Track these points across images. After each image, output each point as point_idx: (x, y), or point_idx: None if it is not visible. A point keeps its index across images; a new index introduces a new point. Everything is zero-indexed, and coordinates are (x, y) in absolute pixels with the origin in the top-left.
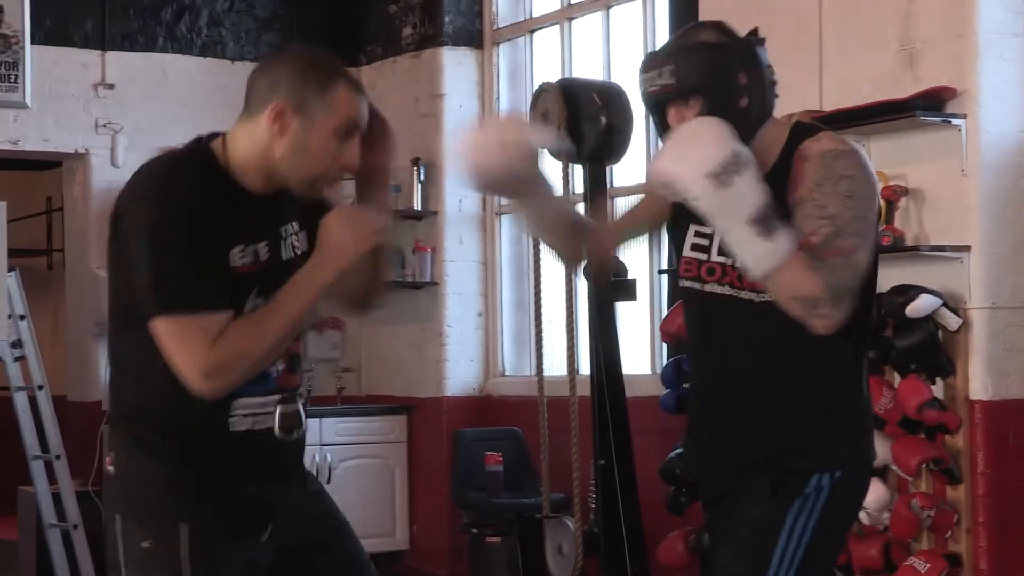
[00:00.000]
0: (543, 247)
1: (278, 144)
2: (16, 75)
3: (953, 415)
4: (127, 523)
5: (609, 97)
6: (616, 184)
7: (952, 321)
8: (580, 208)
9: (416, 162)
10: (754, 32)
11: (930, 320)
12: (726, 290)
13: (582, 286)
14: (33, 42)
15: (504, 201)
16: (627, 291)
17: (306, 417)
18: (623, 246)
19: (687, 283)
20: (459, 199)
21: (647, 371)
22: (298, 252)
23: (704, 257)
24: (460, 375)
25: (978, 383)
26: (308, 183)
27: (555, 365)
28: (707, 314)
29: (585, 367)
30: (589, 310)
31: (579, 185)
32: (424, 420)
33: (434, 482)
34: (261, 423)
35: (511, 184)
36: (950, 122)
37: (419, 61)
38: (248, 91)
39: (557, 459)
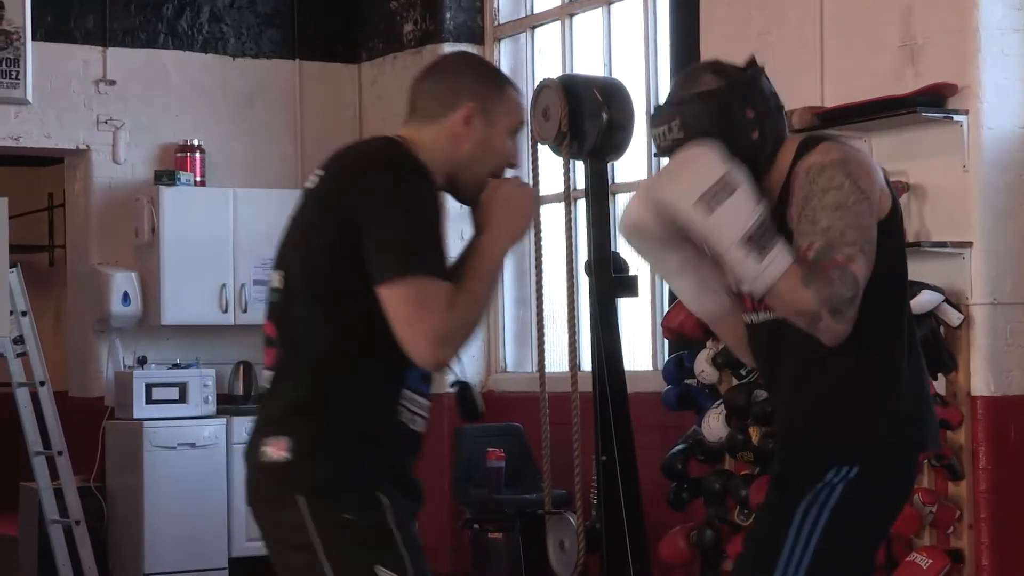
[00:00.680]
0: (541, 243)
1: (465, 145)
2: (17, 71)
3: (955, 411)
4: (316, 501)
5: (610, 93)
6: (617, 180)
7: (954, 317)
8: (581, 204)
9: None
10: (752, 61)
11: (932, 316)
12: (770, 315)
13: (583, 282)
14: (34, 38)
15: None
16: (629, 287)
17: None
18: None
19: (746, 318)
20: None
21: (648, 367)
22: None
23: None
24: (461, 371)
25: (980, 379)
26: (481, 181)
27: (557, 361)
28: (757, 341)
29: (587, 363)
30: (591, 306)
31: (580, 181)
32: (430, 415)
33: (435, 478)
34: (421, 418)
35: (650, 242)
36: (951, 118)
37: (420, 57)
38: (419, 97)
39: (559, 455)
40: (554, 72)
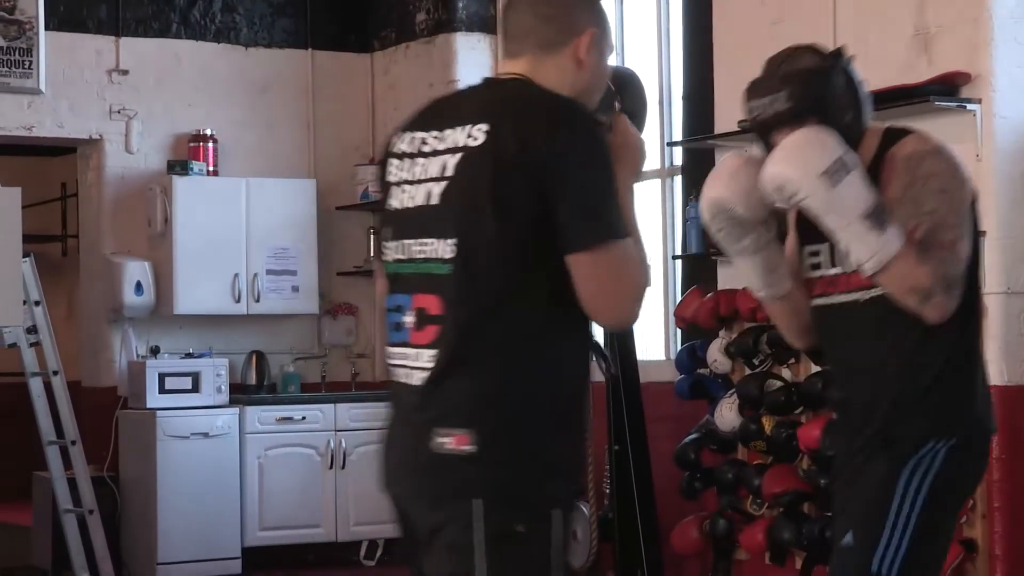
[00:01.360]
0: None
1: (586, 73)
2: (30, 61)
3: None
4: (492, 507)
5: (623, 82)
6: None
7: None
8: None
9: None
10: (841, 51)
11: None
12: (843, 298)
13: None
14: (47, 28)
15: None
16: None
17: None
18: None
19: (818, 301)
20: None
21: (661, 357)
22: None
23: (819, 274)
24: None
25: (994, 368)
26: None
27: None
28: (836, 322)
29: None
30: None
31: None
32: None
33: None
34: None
35: (730, 221)
36: (965, 107)
37: (432, 47)
38: (534, 25)
39: None
40: None
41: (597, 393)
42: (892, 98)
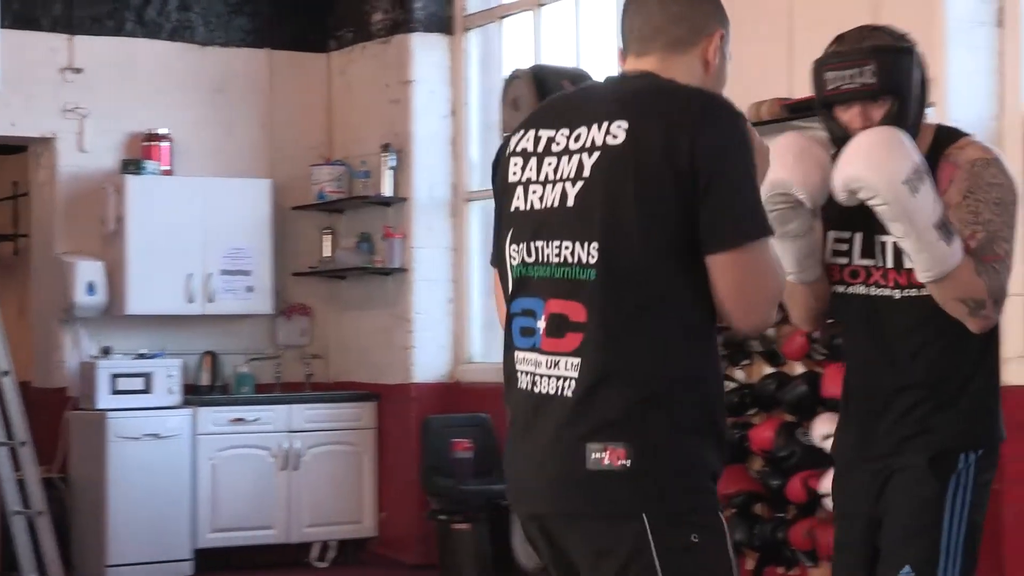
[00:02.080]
0: None
1: (711, 73)
2: None
3: None
4: (661, 521)
5: (580, 83)
6: None
7: None
8: None
9: (386, 148)
10: (908, 36)
11: None
12: (871, 291)
13: None
14: (0, 25)
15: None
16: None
17: None
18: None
19: (839, 288)
20: (429, 185)
21: None
22: None
23: (845, 261)
24: (429, 361)
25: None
26: None
27: None
28: (853, 314)
29: None
30: None
31: None
32: (393, 407)
33: (402, 469)
34: None
35: (787, 203)
36: None
37: (389, 47)
38: (664, 23)
39: None
40: (524, 63)
41: None
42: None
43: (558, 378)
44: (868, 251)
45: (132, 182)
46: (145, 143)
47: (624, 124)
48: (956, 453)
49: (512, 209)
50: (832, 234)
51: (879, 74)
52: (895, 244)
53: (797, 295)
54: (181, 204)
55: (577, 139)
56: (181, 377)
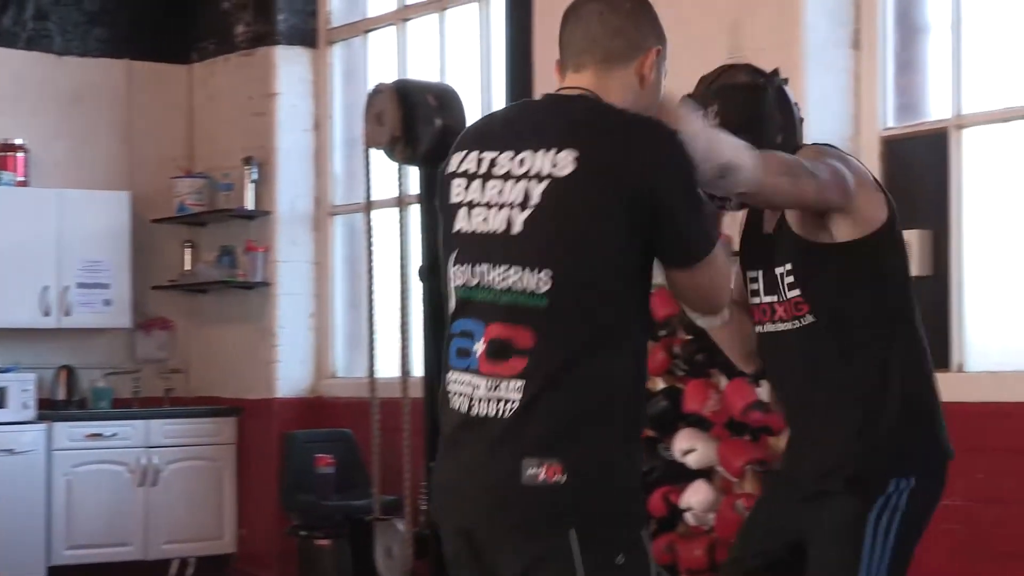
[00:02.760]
0: (374, 249)
1: (647, 89)
2: None
3: (777, 417)
4: (588, 536)
5: (444, 99)
6: None
7: None
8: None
9: (248, 161)
10: (776, 72)
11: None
12: (778, 326)
13: (416, 287)
14: None
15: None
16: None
17: None
18: None
19: (758, 328)
20: (292, 199)
21: None
22: None
23: (757, 300)
24: (291, 376)
25: None
26: None
27: (388, 366)
28: (770, 350)
29: (418, 369)
30: (423, 311)
31: (414, 187)
32: (254, 422)
33: (263, 484)
34: None
35: None
36: None
37: (252, 59)
38: (602, 38)
39: (389, 461)
40: (388, 77)
41: (415, 409)
42: None
43: (499, 400)
44: (770, 288)
45: None
46: (0, 153)
47: (573, 153)
48: (884, 478)
49: (456, 230)
50: (748, 274)
51: (722, 113)
52: (781, 274)
53: (719, 338)
54: (36, 215)
55: (521, 163)
56: (36, 392)
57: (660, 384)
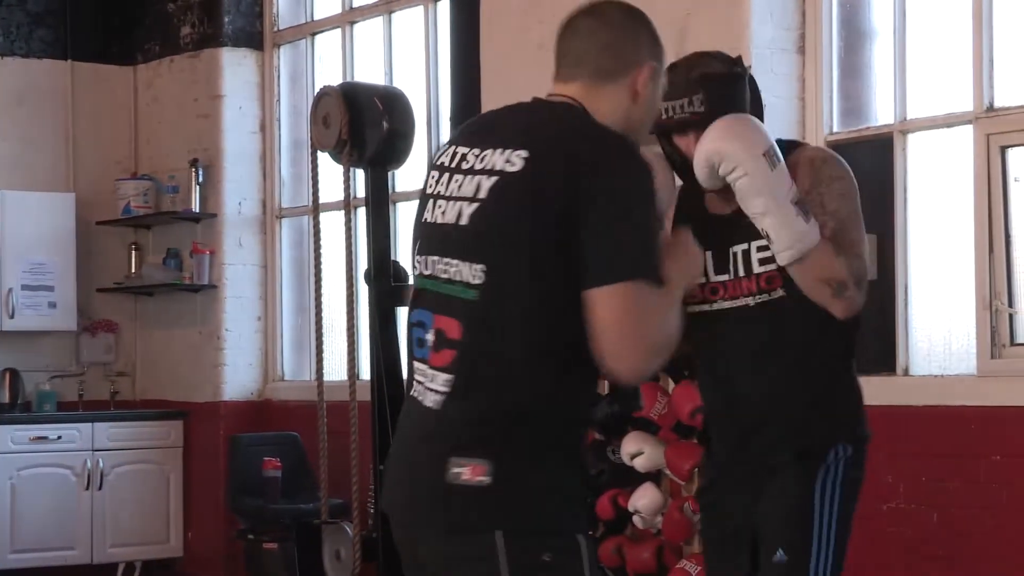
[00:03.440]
0: (321, 252)
1: (639, 105)
2: None
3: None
4: (515, 537)
5: (391, 102)
6: (398, 189)
7: None
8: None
9: (194, 163)
10: (741, 59)
11: None
12: (725, 303)
13: (363, 290)
14: None
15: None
16: (408, 297)
17: None
18: None
19: (696, 308)
20: (238, 201)
21: None
22: None
23: (703, 280)
24: (238, 379)
25: None
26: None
27: (335, 370)
28: (713, 329)
29: (366, 372)
30: (370, 315)
31: (361, 190)
32: (200, 425)
33: (210, 488)
34: None
35: None
36: None
37: (198, 61)
38: (593, 52)
39: (336, 464)
40: (334, 80)
41: (363, 412)
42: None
43: (434, 392)
44: (721, 267)
45: None
46: None
47: (524, 153)
48: (825, 448)
49: (422, 220)
50: None
51: (707, 102)
52: (743, 252)
53: None
54: None
55: (482, 160)
56: None
57: (607, 388)
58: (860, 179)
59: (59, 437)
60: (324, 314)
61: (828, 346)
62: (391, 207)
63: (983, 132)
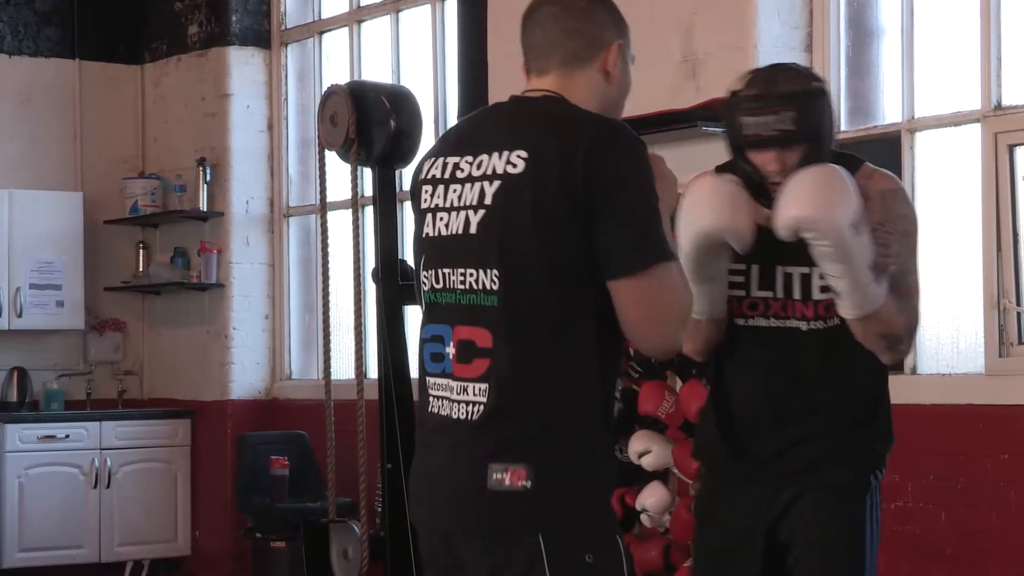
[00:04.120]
0: (328, 250)
1: (614, 87)
2: None
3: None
4: (557, 540)
5: (398, 101)
6: (406, 188)
7: None
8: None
9: (202, 162)
10: (818, 75)
11: None
12: (771, 322)
13: (371, 289)
14: None
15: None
16: (416, 295)
17: None
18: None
19: (737, 322)
20: (246, 200)
21: None
22: None
23: (743, 294)
24: (246, 378)
25: None
26: None
27: (343, 368)
28: (753, 344)
29: (373, 370)
30: (378, 313)
31: (368, 188)
32: (208, 423)
33: (218, 487)
34: None
35: (716, 252)
36: None
37: (205, 60)
38: (561, 39)
39: (344, 463)
40: (342, 78)
41: (370, 411)
42: (660, 123)
43: (467, 403)
44: (767, 283)
45: None
46: None
47: (523, 153)
48: (869, 473)
49: (424, 235)
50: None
51: (799, 121)
52: (803, 276)
53: (703, 329)
54: None
55: (479, 166)
56: None
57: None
58: None
59: (67, 436)
60: (331, 313)
61: (875, 369)
62: (399, 206)
63: (991, 131)
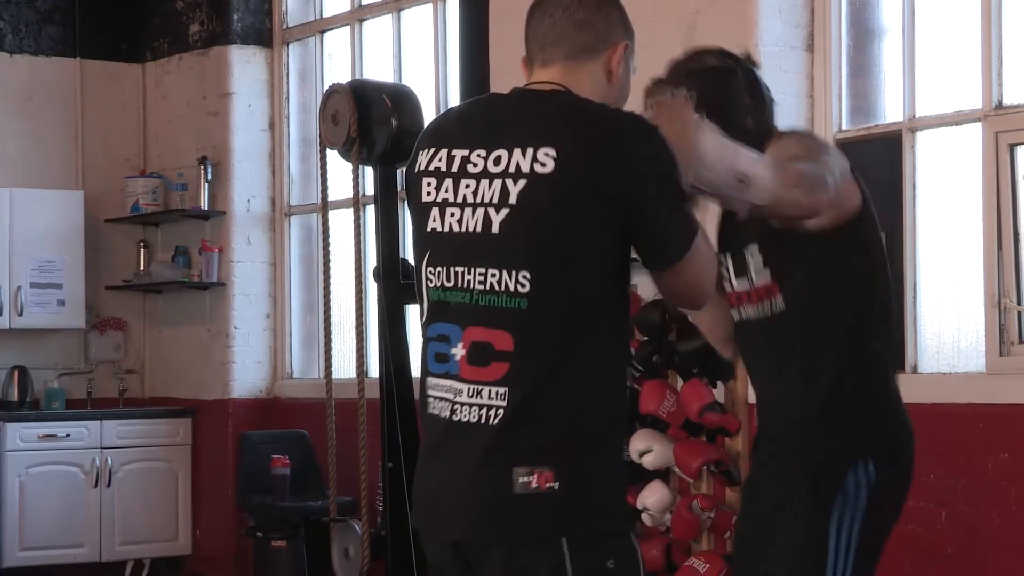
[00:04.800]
0: (329, 249)
1: (614, 84)
2: None
3: (733, 418)
4: (580, 544)
5: (400, 99)
6: None
7: None
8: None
9: (203, 161)
10: (748, 55)
11: None
12: (747, 312)
13: (372, 288)
14: None
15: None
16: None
17: None
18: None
19: (736, 312)
20: (247, 199)
21: None
22: None
23: (727, 287)
24: (247, 377)
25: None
26: None
27: (344, 367)
28: (741, 336)
29: (375, 369)
30: (379, 312)
31: (370, 187)
32: (209, 422)
33: (218, 486)
34: None
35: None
36: None
37: (207, 59)
38: (570, 32)
39: (345, 462)
40: (344, 77)
41: (371, 410)
42: None
43: (481, 407)
44: (740, 271)
45: None
46: None
47: (551, 151)
48: (842, 470)
49: (428, 230)
50: (719, 255)
51: (693, 97)
52: (749, 258)
53: (703, 318)
54: None
55: (497, 162)
56: None
57: None
58: (868, 177)
59: (68, 435)
60: (333, 312)
61: (847, 357)
62: (400, 205)
63: (992, 130)
